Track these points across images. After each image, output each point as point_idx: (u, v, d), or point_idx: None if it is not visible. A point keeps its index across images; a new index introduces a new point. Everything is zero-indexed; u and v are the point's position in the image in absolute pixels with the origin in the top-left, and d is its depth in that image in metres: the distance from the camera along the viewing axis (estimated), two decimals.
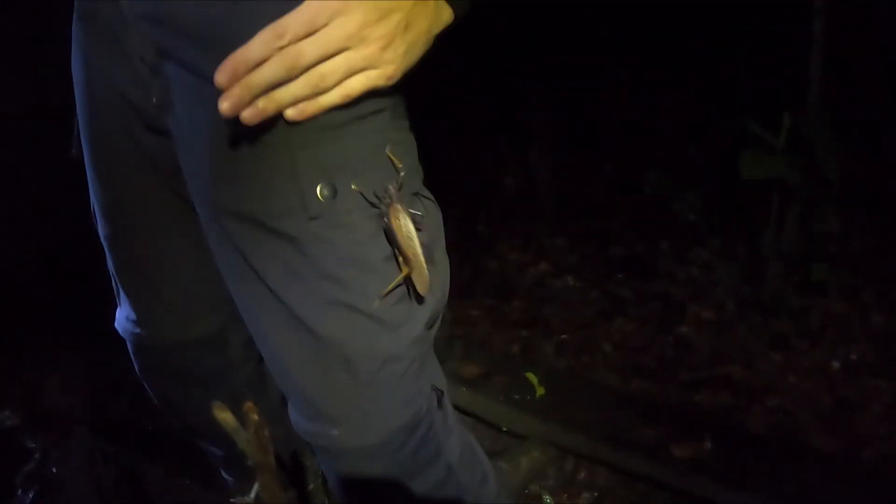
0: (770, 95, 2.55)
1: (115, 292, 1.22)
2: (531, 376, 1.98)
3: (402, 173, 0.88)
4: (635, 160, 3.19)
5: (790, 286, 2.69)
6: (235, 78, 0.78)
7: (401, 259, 0.88)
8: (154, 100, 0.95)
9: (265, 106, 0.79)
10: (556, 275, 2.81)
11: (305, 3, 0.78)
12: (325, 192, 0.86)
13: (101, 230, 1.15)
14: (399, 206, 0.85)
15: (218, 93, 0.80)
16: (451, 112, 3.10)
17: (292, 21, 0.78)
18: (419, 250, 0.87)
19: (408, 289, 0.92)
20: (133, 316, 1.21)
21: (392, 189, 0.85)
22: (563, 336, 2.46)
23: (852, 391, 2.32)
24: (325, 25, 0.78)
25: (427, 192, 0.99)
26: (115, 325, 1.25)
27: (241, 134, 0.85)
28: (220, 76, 0.78)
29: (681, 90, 3.22)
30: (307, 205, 0.86)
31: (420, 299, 0.93)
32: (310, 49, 0.78)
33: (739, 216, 2.83)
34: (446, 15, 0.85)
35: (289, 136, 0.85)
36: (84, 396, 2.19)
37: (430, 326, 0.98)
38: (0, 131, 2.42)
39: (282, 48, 0.78)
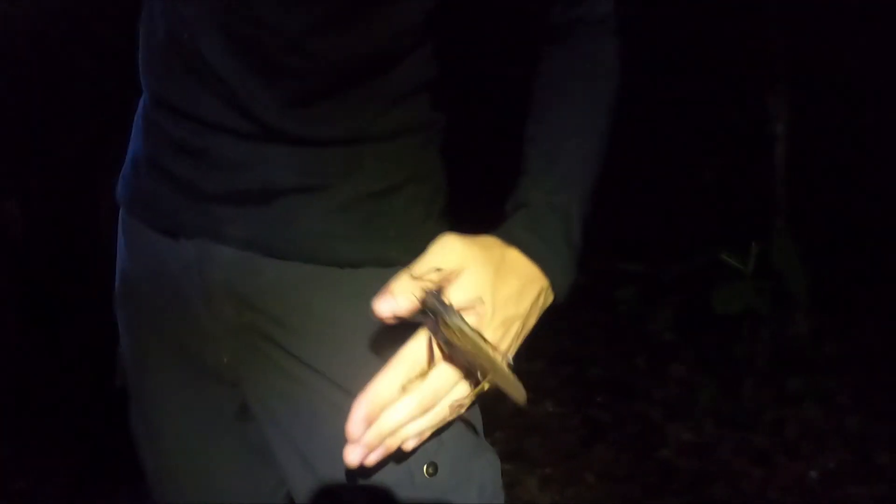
0: (740, 219, 2.80)
1: None
2: None
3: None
4: (606, 275, 3.38)
5: (766, 398, 2.89)
6: (369, 425, 0.78)
7: (478, 372, 0.79)
8: (226, 360, 0.98)
9: (392, 444, 0.80)
10: (535, 401, 2.98)
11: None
12: (430, 470, 0.92)
13: (149, 464, 1.14)
14: (448, 320, 0.75)
15: (315, 381, 0.89)
16: None
17: (421, 353, 0.79)
18: (491, 353, 0.78)
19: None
20: None
21: (436, 303, 0.76)
22: (547, 469, 2.62)
23: (832, 500, 2.50)
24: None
25: (488, 444, 1.01)
26: None
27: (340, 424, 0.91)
28: (355, 428, 0.78)
29: (647, 208, 3.45)
30: (414, 481, 0.93)
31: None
32: (450, 383, 0.79)
33: (712, 331, 3.01)
34: (549, 301, 0.87)
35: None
36: None
37: None
38: None
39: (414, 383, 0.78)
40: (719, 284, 2.67)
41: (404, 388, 0.78)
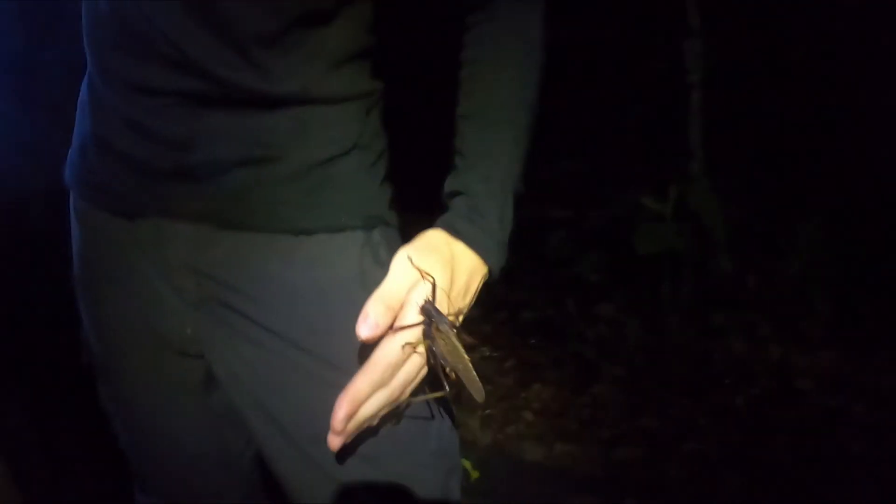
0: (660, 165, 2.93)
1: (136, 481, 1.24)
2: (465, 462, 2.24)
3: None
4: (534, 222, 3.48)
5: (692, 332, 3.03)
6: (349, 419, 0.86)
7: (449, 371, 0.91)
8: (189, 331, 1.03)
9: (364, 426, 0.90)
10: (471, 347, 3.06)
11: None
12: (393, 421, 0.98)
13: (122, 436, 1.18)
14: (440, 326, 0.89)
15: (277, 344, 0.96)
16: None
17: (392, 356, 0.87)
18: (466, 358, 0.91)
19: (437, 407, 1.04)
20: None
21: (431, 311, 0.88)
22: (487, 410, 2.71)
23: (757, 424, 2.66)
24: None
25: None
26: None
27: (298, 380, 0.98)
28: (339, 426, 0.86)
29: (571, 156, 3.55)
30: (378, 431, 0.98)
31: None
32: (412, 377, 0.89)
33: (638, 272, 3.14)
34: (484, 281, 0.97)
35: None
36: None
37: None
38: None
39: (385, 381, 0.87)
40: (641, 227, 2.80)
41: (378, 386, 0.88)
